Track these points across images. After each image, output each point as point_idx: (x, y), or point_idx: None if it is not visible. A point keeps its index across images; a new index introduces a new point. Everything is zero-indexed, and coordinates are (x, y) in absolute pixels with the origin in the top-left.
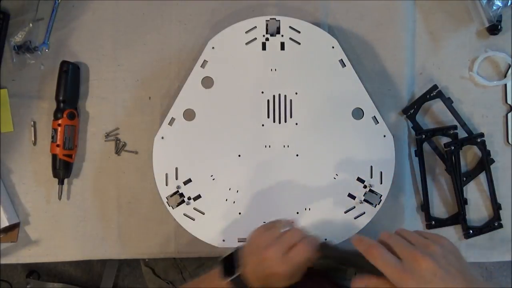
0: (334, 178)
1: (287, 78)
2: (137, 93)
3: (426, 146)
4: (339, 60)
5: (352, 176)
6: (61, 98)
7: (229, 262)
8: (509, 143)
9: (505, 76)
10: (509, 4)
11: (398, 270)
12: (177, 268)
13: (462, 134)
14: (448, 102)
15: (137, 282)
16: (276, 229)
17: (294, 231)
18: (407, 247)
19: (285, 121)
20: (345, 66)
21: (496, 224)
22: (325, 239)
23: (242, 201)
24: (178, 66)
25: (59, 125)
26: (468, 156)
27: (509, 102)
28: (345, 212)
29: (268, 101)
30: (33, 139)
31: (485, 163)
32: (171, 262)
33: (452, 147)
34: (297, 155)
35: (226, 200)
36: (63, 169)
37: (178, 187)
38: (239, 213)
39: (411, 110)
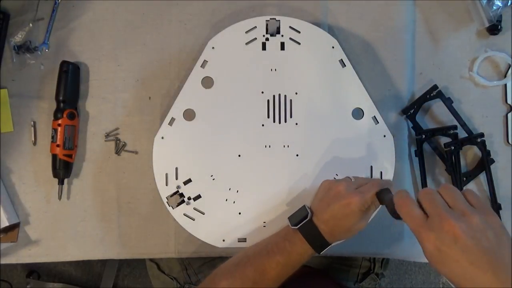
0: (334, 178)
1: (287, 78)
2: (137, 93)
3: (426, 146)
4: (339, 60)
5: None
6: (61, 98)
7: (295, 217)
8: (509, 143)
9: (505, 76)
10: (509, 4)
11: (419, 224)
12: (181, 265)
13: (462, 134)
14: (448, 102)
15: (137, 282)
16: (346, 178)
17: (364, 177)
18: (437, 206)
19: (285, 121)
20: (345, 66)
21: None
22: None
23: (242, 201)
24: (178, 66)
25: (59, 125)
26: (468, 156)
27: (509, 102)
28: None
29: (268, 101)
30: (33, 139)
31: (485, 163)
32: (176, 258)
33: (452, 147)
34: (297, 155)
35: (226, 200)
36: (63, 169)
37: (178, 187)
38: (239, 213)
39: (411, 110)
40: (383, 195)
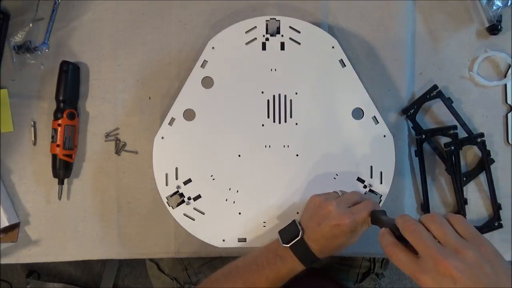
0: (334, 178)
1: (287, 78)
2: (137, 93)
3: (426, 146)
4: (339, 60)
5: (352, 176)
6: (61, 98)
7: (286, 233)
8: (509, 143)
9: (505, 76)
10: (509, 4)
11: (412, 268)
12: (181, 265)
13: (462, 134)
14: (448, 102)
15: (137, 282)
16: (334, 194)
17: (354, 192)
18: (428, 245)
19: (285, 121)
20: (345, 66)
21: (496, 224)
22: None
23: (242, 201)
24: (178, 66)
25: (59, 125)
26: (468, 156)
27: (509, 102)
28: None
29: (268, 101)
30: (33, 139)
31: (485, 163)
32: (176, 258)
33: (452, 147)
34: (297, 155)
35: (226, 200)
36: (63, 169)
37: (178, 187)
38: (239, 213)
39: (411, 110)
40: (378, 216)
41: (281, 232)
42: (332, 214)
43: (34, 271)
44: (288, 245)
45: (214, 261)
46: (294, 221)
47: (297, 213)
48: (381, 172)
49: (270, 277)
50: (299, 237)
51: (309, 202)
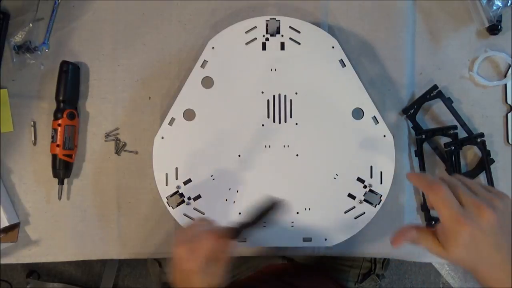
0: (334, 178)
1: (287, 78)
2: (137, 93)
3: (426, 146)
4: (339, 60)
5: (352, 176)
6: (61, 98)
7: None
8: (509, 143)
9: (505, 76)
10: (509, 4)
11: (458, 214)
12: None
13: (462, 134)
14: (448, 102)
15: (137, 282)
16: (187, 230)
17: (196, 224)
18: (472, 195)
19: (285, 121)
20: (345, 66)
21: None
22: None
23: (242, 201)
24: (178, 66)
25: (59, 125)
26: (468, 156)
27: (509, 102)
28: (345, 212)
29: (268, 101)
30: (33, 139)
31: (485, 163)
32: None
33: (452, 147)
34: (297, 155)
35: (226, 200)
36: (63, 169)
37: (178, 187)
38: (239, 213)
39: (411, 110)
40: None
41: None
42: (178, 261)
43: (34, 271)
44: None
45: None
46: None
47: (297, 213)
48: (381, 172)
49: None
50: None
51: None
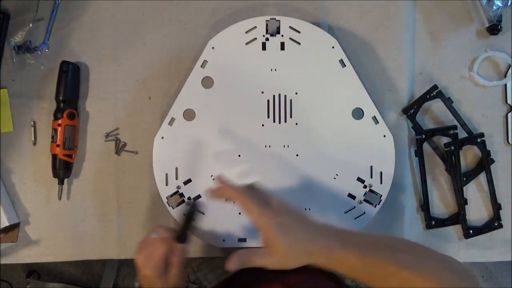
0: (334, 178)
1: (287, 78)
2: (137, 93)
3: (426, 146)
4: (339, 60)
5: (352, 176)
6: (61, 98)
7: None
8: (509, 143)
9: (505, 76)
10: (509, 4)
11: (259, 209)
12: None
13: (462, 134)
14: (448, 102)
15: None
16: (146, 239)
17: (152, 232)
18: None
19: (285, 121)
20: (345, 66)
21: (496, 224)
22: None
23: None
24: (178, 66)
25: (59, 125)
26: (468, 156)
27: (509, 102)
28: (345, 212)
29: (268, 101)
30: (33, 139)
31: (485, 163)
32: None
33: (452, 147)
34: (297, 155)
35: (226, 200)
36: (63, 169)
37: (178, 187)
38: (239, 213)
39: (411, 110)
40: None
41: None
42: (139, 269)
43: (34, 271)
44: None
45: (213, 259)
46: None
47: None
48: (381, 172)
49: None
50: None
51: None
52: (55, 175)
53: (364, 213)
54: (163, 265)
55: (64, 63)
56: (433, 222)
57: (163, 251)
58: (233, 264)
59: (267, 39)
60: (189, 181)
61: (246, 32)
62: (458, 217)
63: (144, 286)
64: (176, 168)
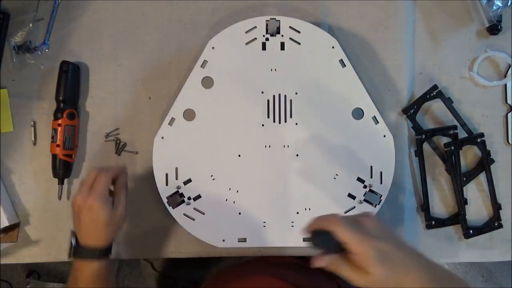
0: (334, 178)
1: (287, 78)
2: (137, 93)
3: (426, 146)
4: (339, 60)
5: (352, 176)
6: (61, 98)
7: (72, 250)
8: (509, 143)
9: (505, 76)
10: (509, 4)
11: (358, 235)
12: (175, 263)
13: (462, 134)
14: (448, 102)
15: (137, 282)
16: (82, 182)
17: (89, 174)
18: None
19: (285, 121)
20: (345, 66)
21: (496, 224)
22: None
23: (242, 201)
24: (178, 66)
25: (59, 125)
26: (468, 156)
27: (509, 102)
28: (345, 212)
29: (268, 101)
30: (33, 139)
31: (485, 163)
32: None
33: (452, 147)
34: (297, 155)
35: (226, 200)
36: (63, 169)
37: (178, 187)
38: (239, 213)
39: (411, 110)
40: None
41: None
42: (77, 210)
43: (34, 271)
44: (72, 256)
45: (210, 259)
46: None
47: (297, 213)
48: (381, 172)
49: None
50: (74, 244)
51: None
52: (55, 175)
53: None
54: (107, 192)
55: (64, 63)
56: (433, 222)
57: (106, 177)
58: (321, 263)
59: (267, 39)
60: (189, 181)
61: (246, 32)
62: (458, 217)
63: (82, 234)
64: (176, 168)
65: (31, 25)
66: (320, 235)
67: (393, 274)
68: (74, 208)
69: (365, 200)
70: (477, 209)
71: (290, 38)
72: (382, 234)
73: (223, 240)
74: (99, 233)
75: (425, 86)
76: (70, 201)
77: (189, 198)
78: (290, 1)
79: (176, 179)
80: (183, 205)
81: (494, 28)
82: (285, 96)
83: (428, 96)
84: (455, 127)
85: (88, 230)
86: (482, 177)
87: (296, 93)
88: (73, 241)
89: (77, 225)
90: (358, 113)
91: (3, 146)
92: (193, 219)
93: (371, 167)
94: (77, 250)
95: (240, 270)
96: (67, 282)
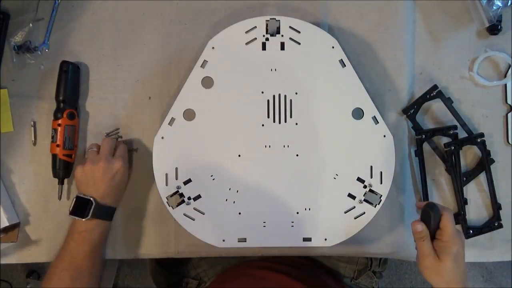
0: (334, 178)
1: (287, 78)
2: (137, 93)
3: (426, 146)
4: (339, 60)
5: (352, 176)
6: (61, 98)
7: (78, 211)
8: (509, 143)
9: (505, 76)
10: (509, 4)
11: (455, 232)
12: (180, 259)
13: (462, 134)
14: (448, 102)
15: (137, 282)
16: (91, 153)
17: (105, 140)
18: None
19: (285, 121)
20: (345, 66)
21: (496, 224)
22: None
23: (242, 201)
24: (178, 66)
25: (59, 125)
26: (468, 156)
27: (509, 102)
28: (345, 212)
29: (268, 101)
30: (33, 139)
31: (485, 163)
32: None
33: (452, 147)
34: (297, 155)
35: (226, 200)
36: (63, 169)
37: (178, 187)
38: (239, 213)
39: (411, 110)
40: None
41: (74, 214)
42: (104, 168)
43: (34, 271)
44: (89, 216)
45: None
46: (77, 197)
47: (297, 213)
48: (381, 172)
49: (88, 250)
50: (94, 204)
51: (76, 177)
52: (55, 175)
53: (364, 213)
54: (112, 154)
55: (64, 63)
56: None
57: (109, 142)
58: (418, 226)
59: (267, 39)
60: (189, 181)
61: (246, 32)
62: (458, 217)
63: (98, 194)
64: (176, 168)
65: (31, 25)
66: (426, 212)
67: (452, 274)
68: (91, 173)
69: (365, 200)
70: (477, 209)
71: (290, 38)
72: (463, 239)
73: (223, 240)
74: (114, 192)
75: (425, 86)
76: (74, 172)
77: (189, 198)
78: (290, 1)
79: (176, 179)
80: (183, 205)
81: (494, 28)
82: (285, 96)
83: (428, 96)
84: (455, 127)
85: (107, 190)
86: (482, 177)
87: (296, 93)
88: (93, 201)
89: (92, 188)
90: (358, 113)
91: (3, 146)
92: (193, 219)
93: (371, 167)
94: (96, 210)
95: (248, 268)
96: (64, 247)
